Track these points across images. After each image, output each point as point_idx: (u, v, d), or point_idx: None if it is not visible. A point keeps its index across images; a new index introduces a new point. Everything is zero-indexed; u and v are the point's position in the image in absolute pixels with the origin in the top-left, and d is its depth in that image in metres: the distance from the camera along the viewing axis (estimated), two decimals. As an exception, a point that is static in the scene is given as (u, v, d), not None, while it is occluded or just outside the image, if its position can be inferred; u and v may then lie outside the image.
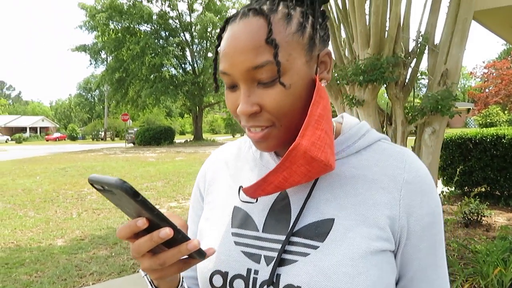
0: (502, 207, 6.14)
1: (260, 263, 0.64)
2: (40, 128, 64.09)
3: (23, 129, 60.77)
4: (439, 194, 4.82)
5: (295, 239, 0.63)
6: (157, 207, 0.54)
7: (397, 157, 0.67)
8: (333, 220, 0.63)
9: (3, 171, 13.46)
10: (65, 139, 52.53)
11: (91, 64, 33.24)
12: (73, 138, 51.55)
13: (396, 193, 0.63)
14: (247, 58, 0.58)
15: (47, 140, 51.62)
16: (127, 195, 0.48)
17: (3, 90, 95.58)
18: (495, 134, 6.34)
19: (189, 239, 0.53)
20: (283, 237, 0.64)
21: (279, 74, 0.58)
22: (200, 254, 0.55)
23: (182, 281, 0.68)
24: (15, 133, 54.24)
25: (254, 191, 0.65)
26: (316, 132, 0.60)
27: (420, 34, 3.89)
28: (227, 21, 0.64)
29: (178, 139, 35.90)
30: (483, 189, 5.65)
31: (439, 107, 3.44)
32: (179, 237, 0.52)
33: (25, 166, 14.89)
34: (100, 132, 49.89)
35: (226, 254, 0.67)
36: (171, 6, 30.30)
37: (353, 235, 0.61)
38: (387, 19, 3.76)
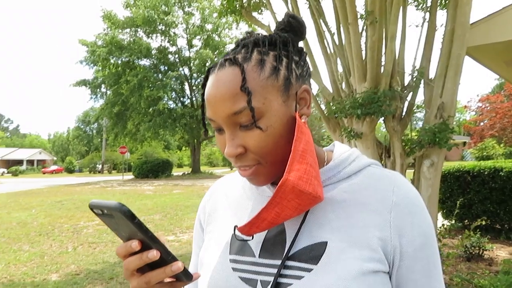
0: (503, 240, 6.07)
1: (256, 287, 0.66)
2: (37, 160, 63.83)
3: (20, 162, 60.48)
4: (440, 228, 4.78)
5: (290, 263, 0.65)
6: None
7: (385, 181, 0.69)
8: (326, 243, 0.65)
9: (-2, 204, 13.30)
10: (62, 172, 52.19)
11: (91, 98, 33.55)
12: (70, 171, 51.25)
13: (386, 215, 0.65)
14: (226, 106, 0.63)
15: (43, 173, 51.25)
16: (125, 217, 0.52)
17: (1, 123, 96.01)
18: (492, 166, 6.36)
19: (178, 261, 0.57)
20: (278, 262, 0.66)
21: (254, 119, 0.62)
22: (187, 276, 0.59)
23: None
24: (11, 166, 53.93)
25: (249, 229, 0.67)
26: (302, 166, 0.62)
27: (415, 69, 4.00)
28: (209, 70, 0.68)
29: (175, 171, 35.78)
30: (483, 222, 5.62)
31: (437, 139, 3.48)
32: (169, 258, 0.57)
33: (20, 199, 14.72)
34: (97, 165, 49.65)
35: (224, 280, 0.69)
36: (171, 42, 31.01)
37: (345, 257, 0.63)
38: (383, 54, 3.88)
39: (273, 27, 5.45)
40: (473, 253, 5.04)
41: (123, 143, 32.85)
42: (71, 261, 5.89)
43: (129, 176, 32.86)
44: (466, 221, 6.59)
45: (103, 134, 47.73)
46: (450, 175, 6.72)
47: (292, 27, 0.69)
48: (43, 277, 5.16)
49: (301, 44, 0.73)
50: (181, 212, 10.62)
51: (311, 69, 4.84)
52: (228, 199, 0.82)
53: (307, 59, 0.72)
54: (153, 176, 29.43)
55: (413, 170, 4.06)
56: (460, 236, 5.16)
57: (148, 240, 0.55)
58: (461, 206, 6.24)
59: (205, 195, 0.89)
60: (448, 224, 6.37)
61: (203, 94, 0.69)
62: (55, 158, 68.72)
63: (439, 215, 6.69)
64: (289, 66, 0.66)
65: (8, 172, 49.57)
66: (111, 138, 34.07)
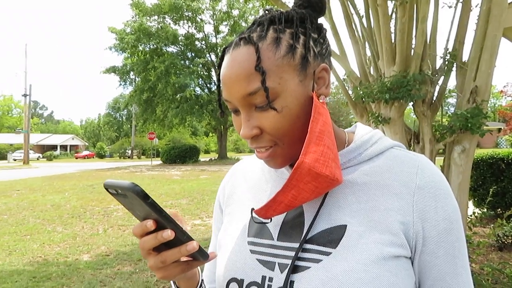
0: (539, 230, 5.84)
1: (274, 270, 0.65)
2: (70, 146, 66.01)
3: (54, 147, 62.77)
4: (470, 216, 4.64)
5: (308, 246, 0.64)
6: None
7: (409, 163, 0.66)
8: (345, 226, 0.63)
9: (34, 187, 13.87)
10: (93, 157, 53.84)
11: (120, 85, 34.17)
12: (101, 156, 52.80)
13: (409, 198, 0.63)
14: (241, 86, 0.61)
15: (76, 158, 53.05)
16: (138, 197, 0.52)
17: (36, 109, 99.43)
18: (528, 154, 6.11)
19: (193, 240, 0.57)
20: (297, 245, 0.65)
21: (268, 100, 0.60)
22: (203, 256, 0.59)
23: (202, 282, 0.73)
24: (46, 151, 56.09)
25: (265, 212, 0.66)
26: (319, 148, 0.61)
27: (448, 52, 3.84)
28: (224, 50, 0.66)
29: (203, 157, 36.24)
30: (517, 211, 5.42)
31: (469, 125, 3.35)
32: (184, 238, 0.57)
33: (54, 183, 15.31)
34: (127, 150, 50.86)
35: (242, 262, 0.69)
36: (198, 28, 31.05)
37: (365, 241, 0.61)
38: (413, 37, 3.74)
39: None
40: (506, 242, 4.89)
41: (151, 129, 33.46)
42: (102, 243, 6.10)
43: (158, 161, 33.53)
44: (499, 209, 6.38)
45: (133, 120, 48.70)
46: (483, 162, 6.50)
47: (310, 3, 0.66)
48: (75, 257, 5.37)
49: (321, 20, 0.70)
50: (208, 197, 10.77)
51: (337, 51, 4.67)
52: (247, 182, 0.81)
53: (327, 36, 0.69)
54: (181, 162, 29.93)
55: (443, 157, 3.94)
56: (492, 225, 4.99)
57: (163, 220, 0.55)
58: (494, 194, 6.03)
59: (225, 177, 0.89)
60: (480, 212, 6.19)
61: (218, 75, 0.67)
62: (87, 144, 70.85)
63: (470, 203, 6.50)
64: (307, 44, 0.63)
65: (43, 157, 51.59)
66: (140, 124, 34.76)
